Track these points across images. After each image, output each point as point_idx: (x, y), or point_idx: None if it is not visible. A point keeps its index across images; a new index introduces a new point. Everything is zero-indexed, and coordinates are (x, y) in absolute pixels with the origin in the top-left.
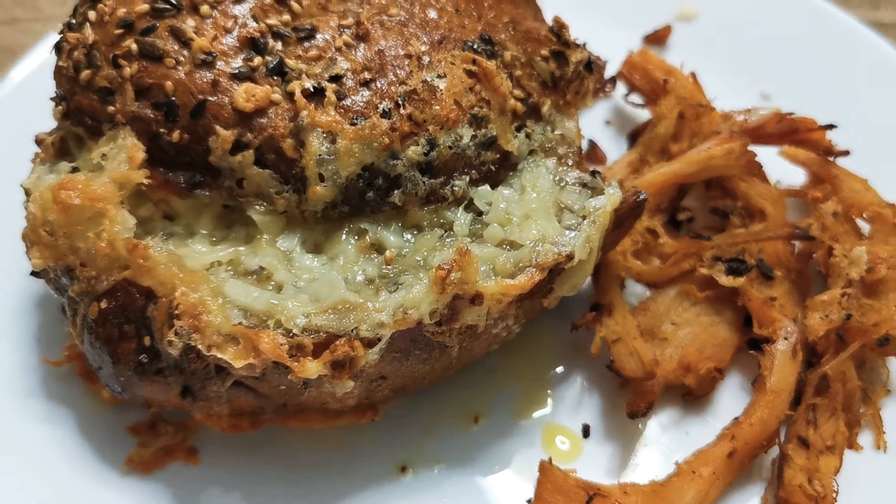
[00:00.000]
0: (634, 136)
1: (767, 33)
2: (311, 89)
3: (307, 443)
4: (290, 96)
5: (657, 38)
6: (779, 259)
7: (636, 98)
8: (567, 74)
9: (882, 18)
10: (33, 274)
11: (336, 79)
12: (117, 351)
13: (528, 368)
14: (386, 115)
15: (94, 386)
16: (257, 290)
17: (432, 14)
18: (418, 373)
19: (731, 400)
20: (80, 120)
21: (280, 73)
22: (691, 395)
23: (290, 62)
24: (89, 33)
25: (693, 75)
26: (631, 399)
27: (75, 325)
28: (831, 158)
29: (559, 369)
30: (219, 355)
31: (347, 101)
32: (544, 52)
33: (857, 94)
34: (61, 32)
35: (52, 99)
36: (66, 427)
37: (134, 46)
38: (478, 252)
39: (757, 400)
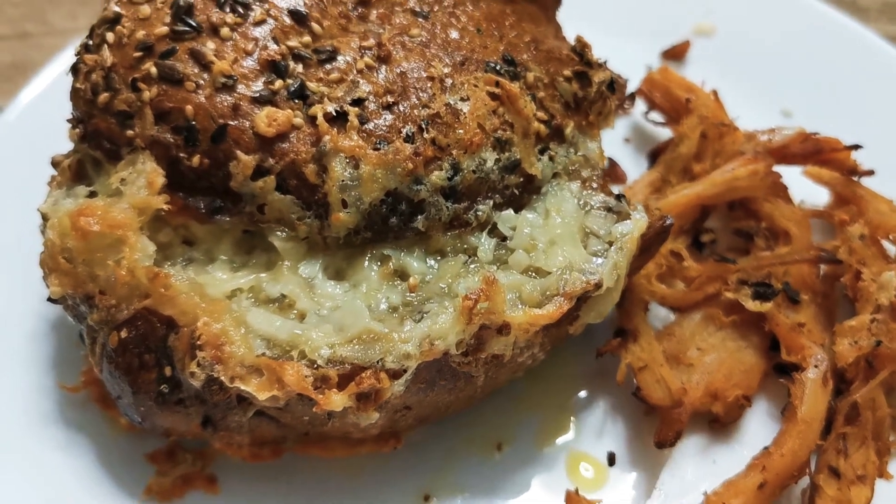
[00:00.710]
0: (655, 154)
1: (786, 48)
2: (334, 113)
3: (329, 471)
4: (311, 120)
5: (675, 54)
6: (804, 282)
7: (656, 116)
8: (590, 95)
9: None
10: (50, 300)
11: (358, 102)
12: (137, 381)
13: (551, 395)
14: (409, 139)
15: (111, 412)
16: (280, 319)
17: (454, 34)
18: (443, 402)
19: (758, 427)
20: (97, 143)
21: (301, 96)
22: (718, 422)
23: (312, 85)
24: (107, 55)
25: (714, 93)
26: (658, 428)
27: (94, 353)
28: (856, 178)
29: (582, 395)
30: (242, 387)
31: (370, 125)
32: (567, 72)
33: (880, 111)
34: (78, 54)
35: (68, 121)
36: (84, 454)
37: (153, 70)
38: (504, 280)
39: (788, 430)
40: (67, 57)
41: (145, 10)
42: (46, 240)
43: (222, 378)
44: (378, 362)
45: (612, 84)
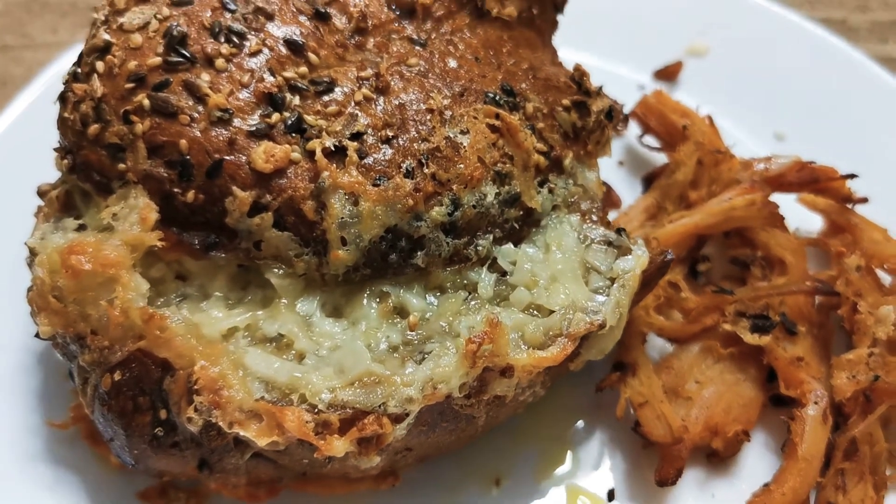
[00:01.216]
0: (649, 179)
1: (778, 70)
2: (332, 148)
3: None
4: (310, 155)
5: (668, 74)
6: (801, 312)
7: (651, 140)
8: (588, 125)
9: (891, 52)
10: (38, 336)
11: (357, 136)
12: (131, 424)
13: (549, 427)
14: (409, 174)
15: (101, 450)
16: (278, 361)
17: (452, 63)
18: (444, 443)
19: (755, 460)
20: (87, 175)
21: (299, 130)
22: (716, 455)
23: (309, 118)
24: (97, 86)
25: (710, 118)
26: (659, 465)
27: (85, 393)
28: (850, 206)
29: (580, 428)
30: (241, 433)
31: (369, 160)
32: (565, 101)
33: (873, 136)
34: (66, 82)
35: (55, 150)
36: (73, 494)
37: (146, 102)
38: (506, 319)
39: (788, 467)
40: (49, 74)
41: (136, 38)
42: (35, 277)
43: (220, 423)
44: (380, 406)
45: (610, 112)
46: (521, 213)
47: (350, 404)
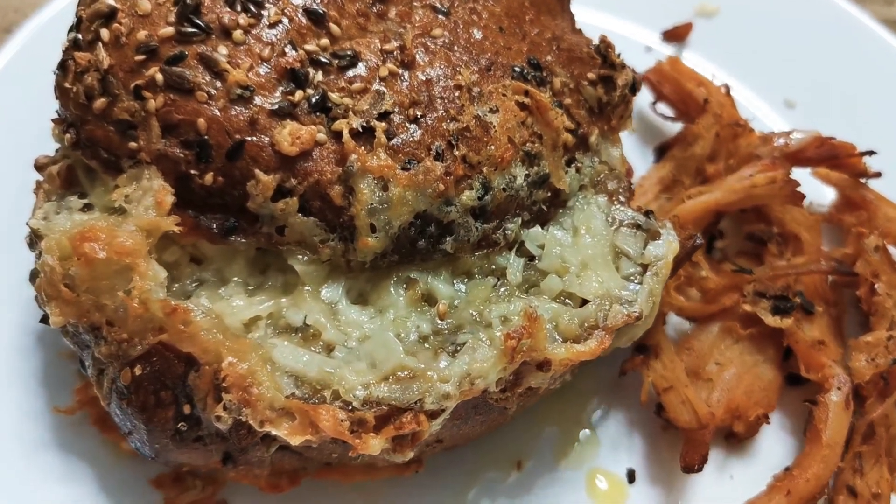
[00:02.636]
0: (662, 149)
1: (789, 36)
2: (360, 129)
3: (346, 494)
4: (335, 136)
5: (676, 36)
6: (816, 290)
7: (663, 108)
8: (614, 99)
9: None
10: (44, 322)
11: (384, 115)
12: (153, 418)
13: (569, 411)
14: (439, 156)
15: (110, 436)
16: (307, 353)
17: (477, 34)
18: (474, 433)
19: (772, 441)
20: (93, 152)
21: (323, 108)
22: (734, 437)
23: (334, 96)
24: (103, 56)
25: (727, 88)
26: (684, 451)
27: (101, 385)
28: (863, 181)
29: (599, 410)
30: (273, 431)
31: (397, 141)
32: (591, 75)
33: (879, 102)
34: (66, 49)
35: (53, 121)
36: (84, 482)
37: (159, 76)
38: (542, 311)
39: (812, 453)
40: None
41: (145, 5)
42: (43, 264)
43: (251, 422)
44: (416, 403)
45: (633, 85)
46: (549, 194)
47: (385, 401)
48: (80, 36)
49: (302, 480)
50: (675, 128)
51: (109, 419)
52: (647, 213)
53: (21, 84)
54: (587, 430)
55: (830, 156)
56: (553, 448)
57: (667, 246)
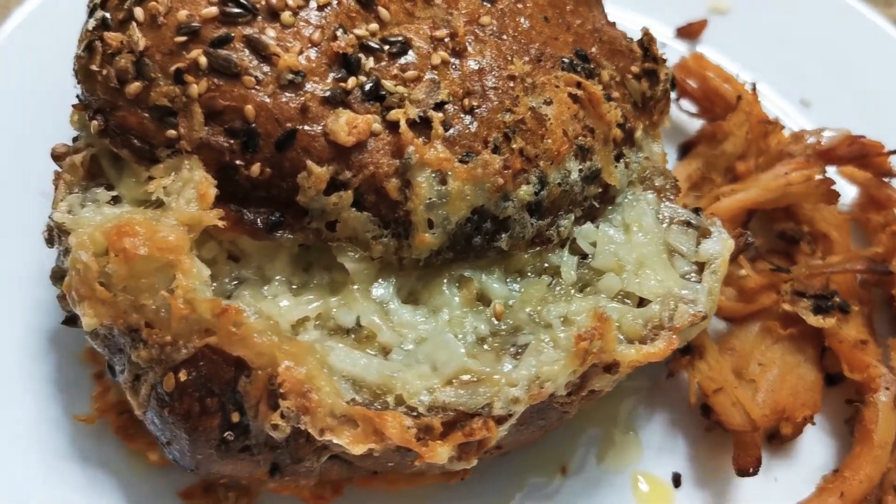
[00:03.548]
0: (687, 146)
1: (802, 31)
2: (417, 119)
3: (388, 502)
4: (390, 126)
5: (690, 32)
6: (849, 289)
7: (687, 105)
8: (657, 94)
9: None
10: (66, 322)
11: (440, 106)
12: (197, 427)
13: (610, 413)
14: (496, 149)
15: (135, 445)
16: (364, 357)
17: (524, 23)
18: (530, 438)
19: (812, 442)
20: (124, 140)
21: (377, 97)
22: (778, 439)
23: (388, 84)
24: (138, 36)
25: (754, 86)
26: (736, 455)
27: (136, 392)
28: (887, 180)
29: (641, 411)
30: (334, 440)
31: (452, 133)
32: (634, 69)
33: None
34: (94, 29)
35: (75, 106)
36: (109, 495)
37: (203, 59)
38: (612, 312)
39: (863, 454)
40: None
41: None
42: (76, 261)
43: (310, 430)
44: (484, 408)
45: (673, 80)
46: (600, 190)
47: (451, 406)
48: (108, 15)
49: (344, 489)
50: (694, 124)
51: (133, 428)
52: (696, 211)
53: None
54: (630, 433)
55: (860, 154)
56: (597, 452)
57: (722, 243)
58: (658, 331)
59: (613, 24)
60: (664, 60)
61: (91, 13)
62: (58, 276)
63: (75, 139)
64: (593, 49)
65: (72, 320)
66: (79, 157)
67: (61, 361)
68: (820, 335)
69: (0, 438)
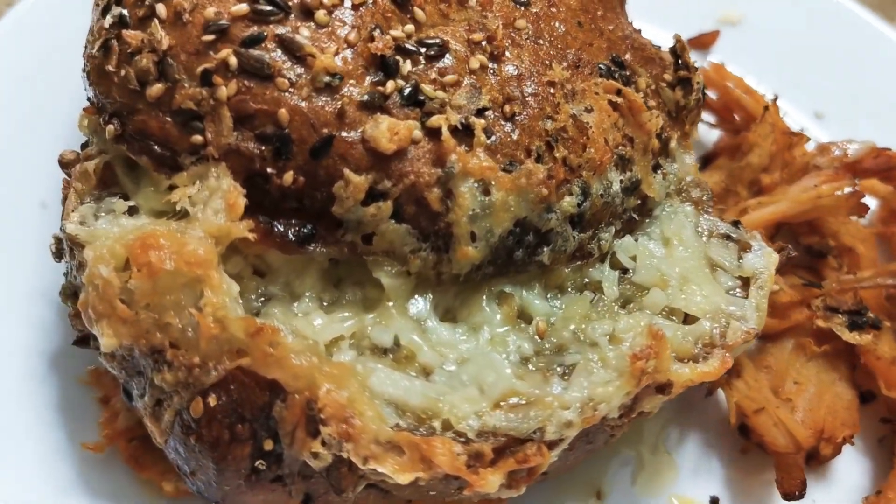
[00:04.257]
0: (707, 158)
1: (814, 43)
2: (459, 126)
3: None
4: (430, 133)
5: (702, 43)
6: (877, 304)
7: (706, 116)
8: (690, 103)
9: None
10: (77, 343)
11: (481, 112)
12: (226, 456)
13: (643, 434)
14: (539, 158)
15: (147, 474)
16: (406, 379)
17: (560, 28)
18: (575, 463)
19: (846, 461)
20: (143, 147)
21: (417, 102)
22: (816, 460)
23: (427, 88)
24: (161, 35)
25: (775, 97)
26: (780, 477)
27: (158, 419)
28: None
29: (673, 433)
30: (378, 469)
31: (494, 140)
32: (667, 76)
33: None
34: (111, 26)
35: (87, 110)
36: None
37: (233, 60)
38: (667, 330)
39: None
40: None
41: None
42: (93, 277)
43: (353, 458)
44: (536, 433)
45: (704, 89)
46: (639, 202)
47: (502, 431)
48: (125, 12)
49: None
50: (710, 135)
51: (145, 456)
52: (736, 223)
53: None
54: (663, 454)
55: (886, 167)
56: (632, 476)
57: (766, 258)
58: (710, 349)
59: (639, 31)
60: (696, 69)
61: (105, 10)
62: (69, 292)
63: (84, 145)
64: (627, 56)
65: (83, 340)
66: (91, 164)
67: (63, 385)
68: (853, 352)
69: (2, 469)
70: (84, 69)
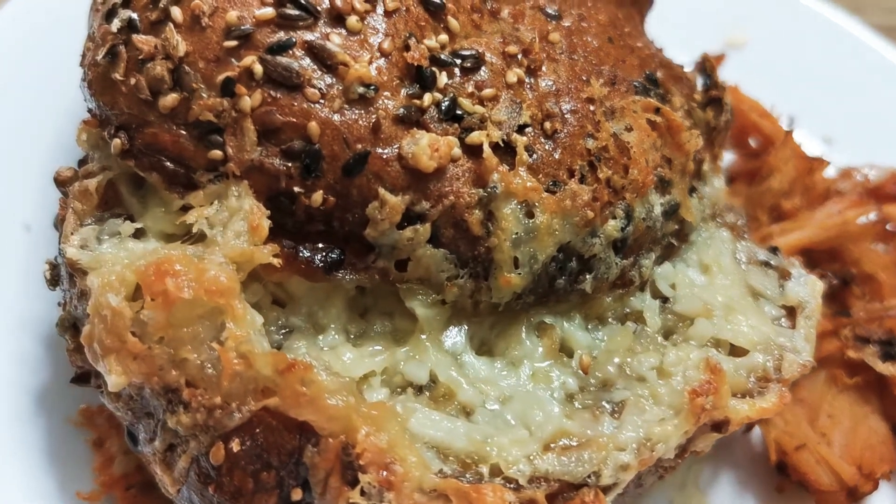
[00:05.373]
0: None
1: (820, 66)
2: (501, 143)
3: None
4: (470, 150)
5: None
6: None
7: None
8: (720, 124)
9: None
10: (76, 380)
11: (521, 129)
12: None
13: (676, 472)
14: (582, 178)
15: None
16: (448, 420)
17: (593, 43)
18: None
19: (881, 494)
20: (154, 163)
21: (455, 117)
22: (854, 496)
23: (465, 103)
24: (177, 40)
25: (791, 120)
26: None
27: (170, 465)
28: None
29: (706, 470)
30: None
31: (535, 159)
32: (697, 96)
33: None
34: (119, 31)
35: (87, 122)
36: None
37: (258, 68)
38: (726, 364)
39: None
40: None
41: None
42: (99, 307)
43: None
44: (590, 477)
45: (731, 110)
46: (677, 227)
47: (555, 476)
48: (135, 16)
49: None
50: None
51: None
52: (774, 249)
53: None
54: (697, 494)
55: None
56: None
57: (811, 286)
58: (765, 383)
59: (661, 49)
60: (725, 88)
61: (109, 15)
62: (67, 324)
63: (81, 161)
64: (658, 74)
65: (83, 378)
66: (93, 181)
67: (52, 426)
68: (883, 382)
69: None
70: (84, 78)
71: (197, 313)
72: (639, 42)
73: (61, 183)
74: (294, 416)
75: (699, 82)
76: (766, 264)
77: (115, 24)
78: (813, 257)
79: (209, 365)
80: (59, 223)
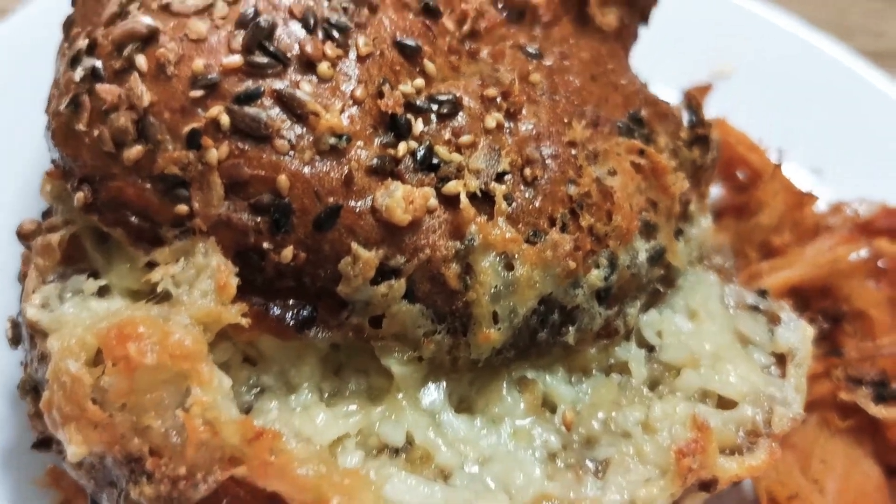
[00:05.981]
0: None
1: (807, 97)
2: (479, 193)
3: None
4: (446, 201)
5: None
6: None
7: None
8: (706, 163)
9: None
10: (37, 446)
11: (500, 177)
12: None
13: None
14: (564, 228)
15: None
16: (425, 484)
17: (575, 82)
18: None
19: None
20: (118, 217)
21: (430, 166)
22: None
23: (442, 150)
24: (142, 90)
25: (780, 154)
26: None
27: None
28: None
29: None
30: None
31: (514, 208)
32: (682, 134)
33: None
34: (82, 80)
35: (50, 174)
36: None
37: (224, 118)
38: (713, 419)
39: None
40: None
41: (198, 27)
42: (58, 372)
43: None
44: None
45: (718, 146)
46: (662, 272)
47: None
48: (98, 64)
49: None
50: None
51: None
52: (762, 293)
53: None
54: None
55: None
56: None
57: (801, 332)
58: (754, 438)
59: (646, 84)
60: (711, 125)
61: (74, 62)
62: (28, 387)
63: (45, 213)
64: (643, 112)
65: (44, 443)
66: (55, 236)
67: (17, 488)
68: (877, 425)
69: None
70: (48, 127)
71: (161, 378)
72: (623, 78)
73: (24, 236)
74: (263, 486)
75: (685, 118)
76: (755, 308)
77: (79, 73)
78: (803, 294)
79: (174, 432)
80: (21, 279)
